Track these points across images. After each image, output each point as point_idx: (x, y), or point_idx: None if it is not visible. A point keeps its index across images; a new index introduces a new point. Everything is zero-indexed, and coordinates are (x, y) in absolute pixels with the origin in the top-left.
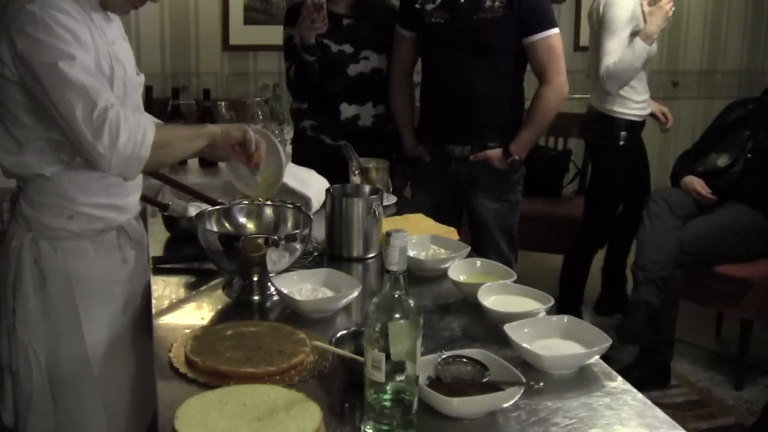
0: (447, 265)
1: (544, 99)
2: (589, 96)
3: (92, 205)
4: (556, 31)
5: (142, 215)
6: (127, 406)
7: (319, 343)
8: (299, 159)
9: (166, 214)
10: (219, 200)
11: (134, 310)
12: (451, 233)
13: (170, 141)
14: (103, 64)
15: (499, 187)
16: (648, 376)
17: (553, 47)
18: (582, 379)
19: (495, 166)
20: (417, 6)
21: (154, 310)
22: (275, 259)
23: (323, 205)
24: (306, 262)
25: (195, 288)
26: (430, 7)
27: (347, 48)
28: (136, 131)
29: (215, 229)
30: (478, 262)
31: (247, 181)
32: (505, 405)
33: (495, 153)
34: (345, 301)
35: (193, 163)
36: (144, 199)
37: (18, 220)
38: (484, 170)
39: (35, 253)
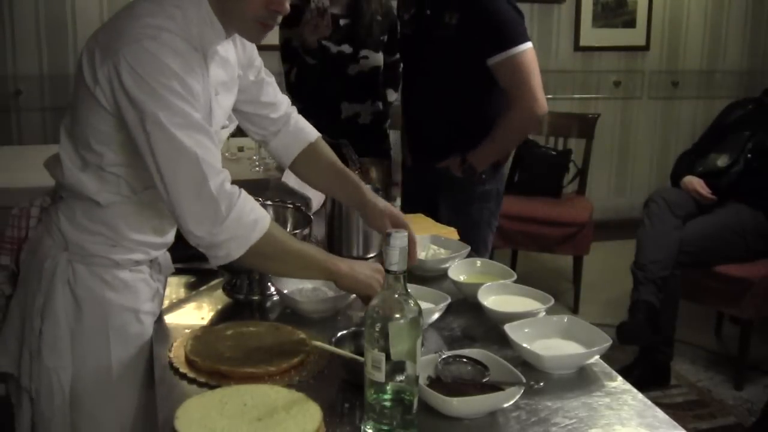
0: (447, 265)
1: (507, 121)
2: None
3: (137, 242)
4: (521, 48)
5: None
6: (131, 419)
7: (319, 343)
8: None
9: None
10: None
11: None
12: (451, 233)
13: (273, 256)
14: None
15: (458, 199)
16: (648, 376)
17: (517, 67)
18: (582, 379)
19: (453, 173)
20: (400, 14)
21: None
22: None
23: (323, 205)
24: None
25: (195, 288)
26: (405, 17)
27: (346, 48)
28: (242, 229)
29: None
30: (478, 262)
31: None
32: (505, 405)
33: (454, 160)
34: (345, 301)
35: None
36: None
37: (52, 236)
38: (447, 181)
39: (69, 274)
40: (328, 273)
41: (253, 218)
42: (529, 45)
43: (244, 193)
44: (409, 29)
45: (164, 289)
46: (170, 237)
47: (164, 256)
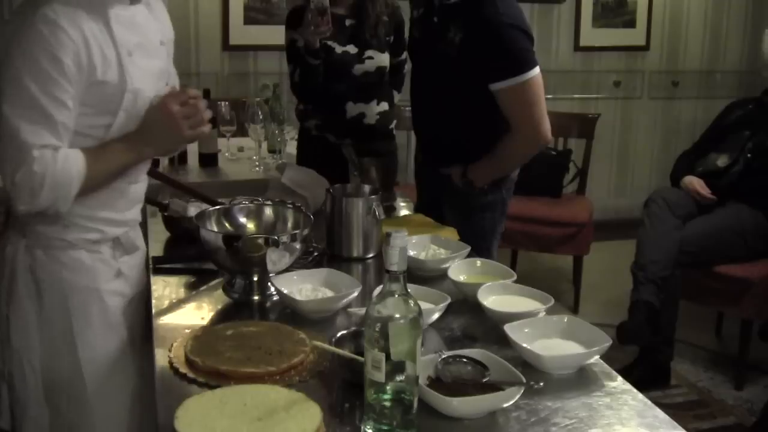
0: (447, 265)
1: (508, 147)
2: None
3: (88, 218)
4: (525, 77)
5: (142, 214)
6: (127, 414)
7: (319, 343)
8: (303, 158)
9: (166, 214)
10: (219, 200)
11: (132, 319)
12: (451, 233)
13: (98, 185)
14: (108, 79)
15: (461, 207)
16: (648, 376)
17: (520, 96)
18: (582, 379)
19: (455, 181)
20: (411, 9)
21: (154, 310)
22: (275, 259)
23: (323, 205)
24: (306, 262)
25: (195, 288)
26: (415, 14)
27: (351, 49)
28: (58, 188)
29: (215, 229)
30: (478, 262)
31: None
32: (505, 405)
33: (455, 170)
34: (345, 301)
35: (193, 162)
36: (144, 199)
37: (14, 226)
38: (451, 188)
39: (29, 260)
40: (145, 162)
41: (66, 176)
42: (534, 72)
43: (52, 157)
44: (417, 32)
45: (136, 270)
46: (130, 215)
47: (127, 236)
